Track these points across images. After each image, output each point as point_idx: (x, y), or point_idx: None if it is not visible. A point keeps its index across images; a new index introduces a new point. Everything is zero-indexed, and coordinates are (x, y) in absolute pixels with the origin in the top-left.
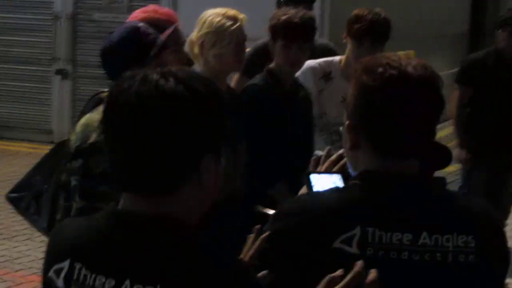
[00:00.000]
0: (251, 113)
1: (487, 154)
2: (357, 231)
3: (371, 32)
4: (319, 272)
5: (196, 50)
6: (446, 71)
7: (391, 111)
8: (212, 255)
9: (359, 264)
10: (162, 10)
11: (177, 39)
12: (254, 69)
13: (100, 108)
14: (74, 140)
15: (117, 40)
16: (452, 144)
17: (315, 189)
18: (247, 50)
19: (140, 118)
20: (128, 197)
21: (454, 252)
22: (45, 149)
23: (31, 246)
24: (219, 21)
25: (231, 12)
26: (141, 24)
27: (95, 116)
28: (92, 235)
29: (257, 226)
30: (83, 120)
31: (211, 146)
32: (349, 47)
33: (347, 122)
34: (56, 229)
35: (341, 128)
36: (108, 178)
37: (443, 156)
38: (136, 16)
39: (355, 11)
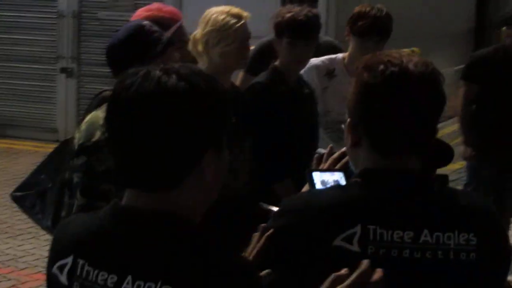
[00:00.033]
0: (256, 111)
1: (491, 151)
2: (358, 229)
3: (375, 28)
4: (321, 269)
5: (200, 48)
6: (451, 68)
7: (391, 109)
8: (215, 251)
9: (365, 263)
10: (166, 8)
11: (181, 37)
12: (259, 67)
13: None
14: (78, 137)
15: (122, 38)
16: (457, 141)
17: (317, 187)
18: (252, 48)
19: (138, 120)
20: (131, 193)
21: (456, 250)
22: (50, 147)
23: (36, 244)
24: (223, 19)
25: (235, 10)
26: (146, 22)
27: (100, 114)
28: (95, 231)
29: (263, 225)
30: (88, 118)
31: (213, 142)
32: (352, 44)
33: (348, 120)
34: (60, 225)
35: (342, 126)
36: (111, 176)
37: (445, 154)
38: (140, 14)
39: (357, 8)
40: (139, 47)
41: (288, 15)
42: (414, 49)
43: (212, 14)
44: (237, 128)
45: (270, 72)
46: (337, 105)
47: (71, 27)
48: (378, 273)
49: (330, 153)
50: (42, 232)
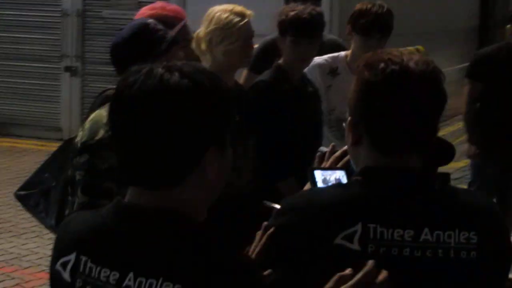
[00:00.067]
0: (259, 109)
1: (495, 150)
2: (358, 227)
3: (377, 25)
4: (322, 268)
5: (203, 46)
6: (455, 66)
7: (392, 107)
8: (217, 250)
9: (370, 263)
10: (170, 6)
11: (185, 35)
12: (262, 65)
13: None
14: (81, 136)
15: (127, 37)
16: (461, 139)
17: (318, 185)
18: (255, 46)
19: (140, 117)
20: (134, 190)
21: (456, 249)
22: (54, 146)
23: (39, 243)
24: (227, 17)
25: (238, 8)
26: (150, 20)
27: (103, 112)
28: (97, 228)
29: (265, 223)
30: (91, 116)
31: (216, 141)
32: (354, 42)
33: (348, 119)
34: (64, 222)
35: (343, 124)
36: (113, 174)
37: (446, 152)
38: (144, 13)
39: (358, 6)
40: (144, 45)
41: (292, 13)
42: (419, 47)
43: (216, 13)
44: (241, 126)
45: (273, 70)
46: (340, 103)
47: (75, 26)
48: (383, 274)
49: (332, 151)
50: (46, 231)
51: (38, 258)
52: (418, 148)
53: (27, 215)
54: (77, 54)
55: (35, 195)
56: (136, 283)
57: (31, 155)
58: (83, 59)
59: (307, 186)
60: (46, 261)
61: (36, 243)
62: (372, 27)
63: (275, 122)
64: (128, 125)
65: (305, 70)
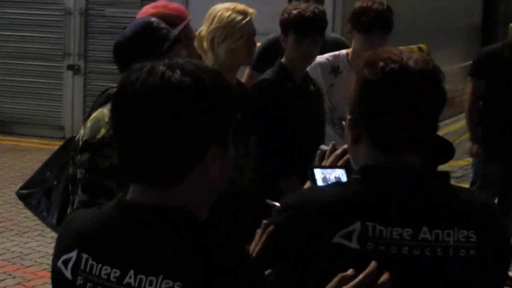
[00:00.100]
0: (262, 108)
1: (498, 148)
2: (357, 226)
3: (379, 22)
4: (322, 266)
5: (205, 45)
6: (458, 64)
7: (391, 105)
8: (218, 249)
9: (372, 264)
10: (172, 5)
11: (188, 34)
12: (265, 64)
13: None
14: (83, 134)
15: (130, 35)
16: (464, 138)
17: (318, 183)
18: (258, 44)
19: (143, 115)
20: (136, 188)
21: (455, 247)
22: (57, 145)
23: (42, 242)
24: (229, 15)
25: (240, 6)
26: (153, 19)
27: (105, 111)
28: (99, 226)
29: (264, 221)
30: (93, 115)
31: (218, 139)
32: (355, 40)
33: (348, 117)
34: (66, 220)
35: (343, 123)
36: (114, 172)
37: (446, 151)
38: (146, 11)
39: (358, 4)
40: (147, 44)
41: (295, 11)
42: (421, 46)
43: (218, 11)
44: (243, 125)
45: (276, 69)
46: (342, 102)
47: (78, 24)
48: (385, 275)
49: (333, 149)
50: (48, 229)
51: (40, 257)
52: (417, 147)
53: (30, 213)
54: (80, 52)
55: (37, 194)
56: (137, 280)
57: (33, 153)
58: (86, 58)
59: (307, 185)
60: (48, 260)
61: (38, 242)
62: (373, 24)
63: (278, 121)
64: (130, 122)
65: (307, 69)
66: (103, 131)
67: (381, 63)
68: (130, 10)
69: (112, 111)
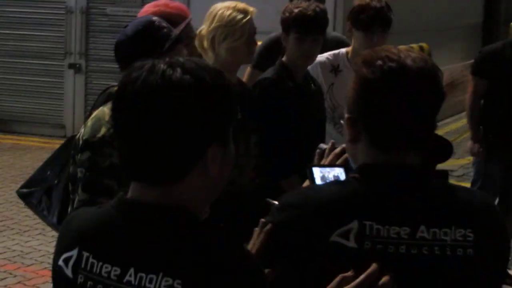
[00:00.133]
0: (263, 107)
1: (499, 147)
2: (354, 224)
3: (379, 20)
4: (320, 265)
5: (206, 44)
6: (459, 63)
7: (390, 104)
8: (218, 248)
9: (373, 265)
10: (173, 4)
11: (189, 33)
12: (266, 63)
13: None
14: (83, 133)
15: (131, 34)
16: (465, 136)
17: (317, 182)
18: (259, 43)
19: (143, 114)
20: (136, 186)
21: (452, 246)
22: (58, 143)
23: (42, 241)
24: (230, 14)
25: (241, 5)
26: (155, 18)
27: (106, 110)
28: (99, 225)
29: (262, 220)
30: (94, 113)
31: (219, 137)
32: (355, 38)
33: (346, 116)
34: (67, 219)
35: (342, 121)
36: (114, 171)
37: (445, 149)
38: (147, 10)
39: (357, 1)
40: (148, 43)
41: (296, 10)
42: (423, 44)
43: (218, 10)
44: (244, 124)
45: (277, 68)
46: (343, 101)
47: (79, 23)
48: (386, 277)
49: (332, 148)
50: (49, 228)
51: (41, 256)
52: (416, 145)
53: (30, 212)
54: (81, 51)
55: (37, 193)
56: (137, 278)
57: (34, 152)
58: (87, 56)
59: (306, 183)
60: (49, 259)
61: (39, 241)
62: (373, 22)
63: (279, 119)
64: (131, 121)
65: (308, 68)
66: (103, 130)
67: (379, 62)
68: (131, 9)
69: (113, 109)
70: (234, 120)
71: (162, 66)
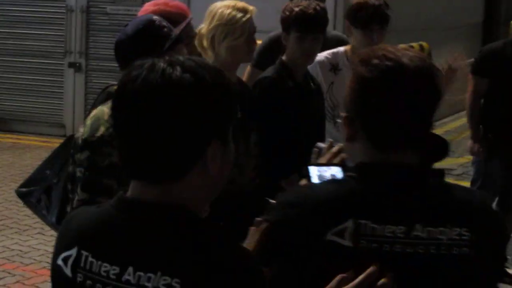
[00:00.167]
0: (263, 105)
1: (499, 146)
2: (350, 223)
3: (376, 17)
4: (317, 263)
5: (205, 43)
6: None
7: (387, 103)
8: (218, 247)
9: (373, 265)
10: (173, 2)
11: (189, 32)
12: (266, 62)
13: None
14: (82, 132)
15: (132, 33)
16: (465, 136)
17: (313, 181)
18: (259, 42)
19: (143, 112)
20: (136, 185)
21: (448, 245)
22: (58, 142)
23: (41, 240)
24: (230, 13)
25: (240, 4)
26: (155, 17)
27: (105, 109)
28: (99, 224)
29: (258, 218)
30: (93, 113)
31: (218, 136)
32: (354, 36)
33: (344, 115)
34: (66, 218)
35: (339, 120)
36: (114, 171)
37: (441, 148)
38: (147, 9)
39: (355, 0)
40: (149, 42)
41: (297, 9)
42: (423, 43)
43: (218, 9)
44: (243, 123)
45: (277, 67)
46: (342, 99)
47: (80, 22)
48: (385, 279)
49: (330, 147)
50: (48, 227)
51: (40, 255)
52: (413, 144)
53: (29, 212)
54: (81, 50)
55: (36, 192)
56: (135, 277)
57: (34, 151)
58: (87, 55)
59: (303, 182)
60: (48, 258)
61: (38, 240)
62: (371, 20)
63: (279, 119)
64: (131, 119)
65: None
66: (102, 129)
67: (376, 60)
68: (131, 8)
69: (113, 108)
70: (234, 119)
71: (162, 64)
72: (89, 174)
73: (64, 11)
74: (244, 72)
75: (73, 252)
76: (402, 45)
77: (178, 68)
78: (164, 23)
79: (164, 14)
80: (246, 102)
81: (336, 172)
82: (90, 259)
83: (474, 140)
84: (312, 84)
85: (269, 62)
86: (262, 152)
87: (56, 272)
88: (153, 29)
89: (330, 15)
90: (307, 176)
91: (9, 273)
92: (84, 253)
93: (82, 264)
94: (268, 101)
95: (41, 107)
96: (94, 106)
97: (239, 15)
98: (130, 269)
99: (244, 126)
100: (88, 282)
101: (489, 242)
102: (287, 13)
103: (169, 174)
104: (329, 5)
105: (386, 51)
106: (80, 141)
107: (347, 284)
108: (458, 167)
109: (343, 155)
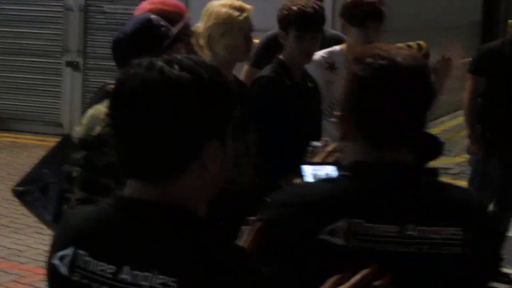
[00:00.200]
0: (261, 104)
1: (497, 145)
2: (343, 222)
3: (374, 14)
4: (312, 262)
5: (202, 42)
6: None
7: (381, 101)
8: (218, 247)
9: (371, 266)
10: (170, 1)
11: (187, 32)
12: (264, 61)
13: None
14: (79, 131)
15: (130, 32)
16: (462, 135)
17: (307, 180)
18: (257, 41)
19: (141, 111)
20: (134, 184)
21: (441, 244)
22: (55, 141)
23: (38, 239)
24: (226, 12)
25: (237, 3)
26: (153, 16)
27: (102, 108)
28: (96, 223)
29: (251, 218)
30: (90, 111)
31: (217, 135)
32: (350, 34)
33: (338, 113)
34: (64, 217)
35: (333, 119)
36: (111, 170)
37: (434, 147)
38: (144, 7)
39: None
40: (147, 41)
41: (295, 8)
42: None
43: (215, 8)
44: (242, 123)
45: (275, 65)
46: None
47: (78, 21)
48: (384, 279)
49: (325, 146)
50: (45, 227)
51: (37, 254)
52: (408, 143)
53: (26, 211)
54: (79, 49)
55: (33, 191)
56: (132, 275)
57: (31, 150)
58: (84, 54)
59: (297, 181)
60: (44, 257)
61: (34, 239)
62: (367, 17)
63: (278, 118)
64: (129, 118)
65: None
66: (99, 128)
67: (369, 59)
68: (129, 6)
69: (111, 107)
70: (233, 118)
71: (159, 63)
72: (86, 173)
73: (62, 10)
74: (242, 71)
75: (70, 251)
76: (399, 44)
77: (176, 67)
78: (162, 22)
79: (161, 13)
80: (245, 101)
81: (330, 170)
82: (87, 258)
83: (471, 139)
84: (309, 83)
85: (266, 61)
86: (261, 152)
87: (51, 271)
88: (151, 28)
89: (328, 14)
90: (302, 175)
91: (5, 272)
92: (81, 252)
93: (78, 263)
94: (266, 100)
95: (39, 106)
96: (91, 105)
97: (236, 13)
98: (127, 268)
99: (243, 126)
100: (85, 281)
101: (485, 241)
102: (285, 12)
103: (168, 174)
104: (327, 4)
105: (380, 49)
106: (76, 140)
107: (343, 284)
108: (455, 166)
109: (337, 154)
